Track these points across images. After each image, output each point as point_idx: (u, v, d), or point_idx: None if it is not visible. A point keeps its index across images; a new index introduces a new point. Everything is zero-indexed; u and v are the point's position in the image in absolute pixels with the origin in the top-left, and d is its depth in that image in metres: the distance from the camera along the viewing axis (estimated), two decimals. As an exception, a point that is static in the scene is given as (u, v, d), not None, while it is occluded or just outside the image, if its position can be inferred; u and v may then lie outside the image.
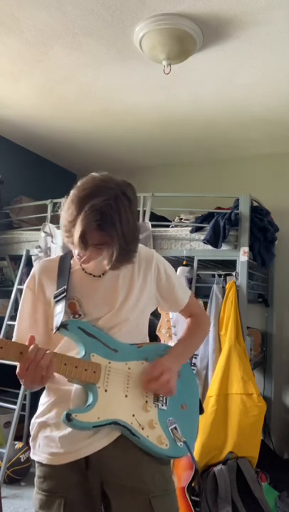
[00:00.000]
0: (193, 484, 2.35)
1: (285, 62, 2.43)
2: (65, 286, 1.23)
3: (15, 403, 3.10)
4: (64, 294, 1.22)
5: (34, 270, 1.32)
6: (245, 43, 2.27)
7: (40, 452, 1.20)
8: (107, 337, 1.21)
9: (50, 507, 1.15)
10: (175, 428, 1.21)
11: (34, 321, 1.27)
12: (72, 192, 1.14)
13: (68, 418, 1.08)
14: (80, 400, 1.16)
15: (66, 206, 1.14)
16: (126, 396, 1.18)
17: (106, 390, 1.15)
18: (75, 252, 1.18)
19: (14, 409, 3.08)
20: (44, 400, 1.26)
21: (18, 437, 3.26)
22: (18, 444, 3.10)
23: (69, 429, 1.14)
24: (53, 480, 1.17)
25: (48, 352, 1.10)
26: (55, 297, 1.24)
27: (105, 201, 1.08)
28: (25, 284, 1.31)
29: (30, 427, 1.26)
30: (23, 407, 3.22)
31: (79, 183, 1.15)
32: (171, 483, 1.23)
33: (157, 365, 1.22)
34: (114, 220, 1.09)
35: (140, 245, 1.34)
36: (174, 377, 1.22)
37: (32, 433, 1.25)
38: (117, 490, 1.16)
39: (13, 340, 1.25)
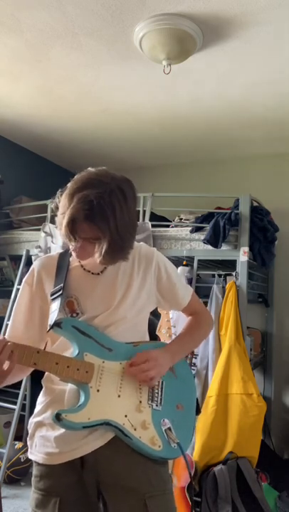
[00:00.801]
0: (193, 483, 2.35)
1: (285, 62, 2.43)
2: (62, 284, 1.22)
3: (15, 403, 3.11)
4: (60, 292, 1.20)
5: (33, 266, 1.31)
6: (245, 43, 2.27)
7: (36, 452, 1.20)
8: (102, 336, 1.19)
9: (46, 506, 1.14)
10: (169, 429, 1.18)
11: (30, 316, 1.27)
12: (67, 186, 1.14)
13: (58, 418, 1.07)
14: (75, 399, 1.15)
15: (61, 201, 1.14)
16: (119, 396, 1.16)
17: (98, 390, 1.13)
18: (70, 246, 1.16)
19: (14, 409, 3.09)
20: (41, 400, 1.26)
21: (18, 437, 3.26)
22: (18, 444, 3.10)
23: (64, 429, 1.13)
24: (49, 479, 1.16)
25: (9, 344, 1.09)
26: (51, 295, 1.23)
27: (98, 194, 1.07)
28: (24, 279, 1.30)
29: (28, 427, 1.26)
30: (23, 407, 3.22)
31: (75, 177, 1.15)
32: (169, 483, 1.21)
33: (144, 353, 1.19)
34: (106, 214, 1.07)
35: (141, 243, 1.34)
36: (157, 369, 1.18)
37: (29, 432, 1.25)
38: (112, 490, 1.15)
39: (6, 334, 1.25)
